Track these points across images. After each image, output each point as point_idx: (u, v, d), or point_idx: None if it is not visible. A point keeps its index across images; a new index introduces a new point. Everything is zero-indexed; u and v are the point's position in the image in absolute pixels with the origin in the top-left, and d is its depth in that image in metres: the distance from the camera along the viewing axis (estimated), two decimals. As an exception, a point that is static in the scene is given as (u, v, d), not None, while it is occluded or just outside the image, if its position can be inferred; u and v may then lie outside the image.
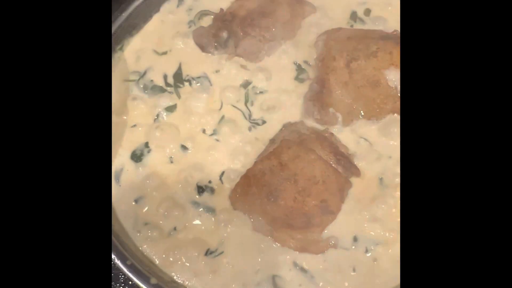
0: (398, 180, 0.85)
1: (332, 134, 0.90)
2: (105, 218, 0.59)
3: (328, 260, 0.81)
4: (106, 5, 0.65)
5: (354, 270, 0.81)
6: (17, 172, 0.54)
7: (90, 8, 0.61)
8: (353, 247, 0.82)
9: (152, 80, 0.99)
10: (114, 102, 0.96)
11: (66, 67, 0.58)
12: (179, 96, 0.97)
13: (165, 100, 0.96)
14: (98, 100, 0.60)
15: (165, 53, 1.02)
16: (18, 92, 0.56)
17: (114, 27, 1.00)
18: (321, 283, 0.80)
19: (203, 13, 1.06)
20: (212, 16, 1.05)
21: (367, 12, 1.01)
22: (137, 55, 1.02)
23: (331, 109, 0.91)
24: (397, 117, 0.90)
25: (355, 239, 0.82)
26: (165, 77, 0.99)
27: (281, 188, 0.84)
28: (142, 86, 0.98)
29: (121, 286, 0.84)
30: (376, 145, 0.89)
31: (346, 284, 0.80)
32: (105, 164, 0.60)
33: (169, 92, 0.97)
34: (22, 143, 0.55)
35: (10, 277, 0.52)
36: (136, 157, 0.92)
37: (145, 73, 1.00)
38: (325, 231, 0.83)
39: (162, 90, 0.98)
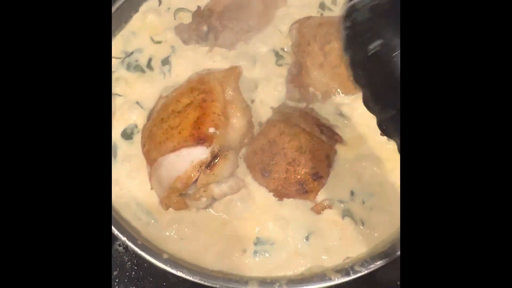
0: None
1: (312, 109, 0.99)
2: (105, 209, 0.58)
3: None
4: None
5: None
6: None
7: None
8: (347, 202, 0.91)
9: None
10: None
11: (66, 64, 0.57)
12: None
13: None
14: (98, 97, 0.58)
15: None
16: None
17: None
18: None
19: (179, 10, 1.13)
20: (189, 13, 1.12)
21: (334, 1, 1.12)
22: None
23: (311, 89, 1.01)
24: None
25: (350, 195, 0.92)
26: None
27: (273, 162, 0.92)
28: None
29: (135, 267, 0.90)
30: (353, 115, 0.99)
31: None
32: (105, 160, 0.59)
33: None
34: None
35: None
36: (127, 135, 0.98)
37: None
38: (319, 195, 0.91)
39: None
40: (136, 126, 0.98)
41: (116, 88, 1.02)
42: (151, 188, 0.92)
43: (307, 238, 0.88)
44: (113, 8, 1.05)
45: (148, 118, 0.98)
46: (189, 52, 1.07)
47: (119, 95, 1.02)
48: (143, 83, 1.03)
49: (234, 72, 0.98)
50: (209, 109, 0.91)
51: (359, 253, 0.85)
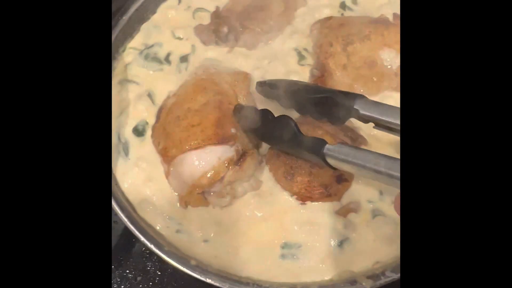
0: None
1: (336, 111, 0.98)
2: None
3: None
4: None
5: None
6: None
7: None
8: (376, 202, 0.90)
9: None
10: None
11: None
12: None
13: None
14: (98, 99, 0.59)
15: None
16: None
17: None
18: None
19: (198, 10, 1.12)
20: (208, 13, 1.11)
21: (355, 1, 1.11)
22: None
23: (334, 90, 0.99)
24: (391, 92, 1.00)
25: (369, 201, 0.90)
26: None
27: (296, 165, 0.90)
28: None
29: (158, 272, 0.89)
30: (377, 116, 0.97)
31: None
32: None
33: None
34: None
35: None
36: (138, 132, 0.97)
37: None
38: (344, 198, 0.90)
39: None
40: (147, 122, 0.97)
41: (131, 79, 1.02)
42: (171, 187, 0.90)
43: (334, 242, 0.86)
44: (133, 8, 1.04)
45: (157, 117, 0.97)
46: (209, 52, 1.06)
47: (135, 83, 1.02)
48: (158, 77, 1.03)
49: (244, 78, 0.98)
50: (228, 111, 0.91)
51: (389, 257, 0.84)
